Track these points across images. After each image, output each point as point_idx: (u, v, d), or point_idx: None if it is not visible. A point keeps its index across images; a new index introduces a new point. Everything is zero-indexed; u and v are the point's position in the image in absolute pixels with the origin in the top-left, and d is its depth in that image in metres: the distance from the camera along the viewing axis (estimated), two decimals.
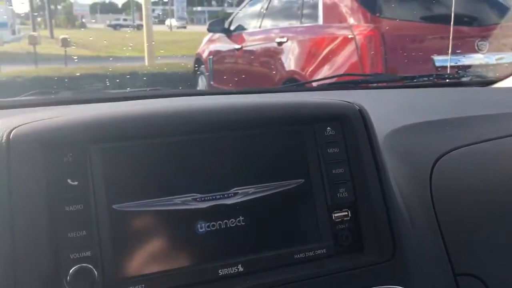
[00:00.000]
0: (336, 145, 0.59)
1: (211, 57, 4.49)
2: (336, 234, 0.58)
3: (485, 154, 0.75)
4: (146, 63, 6.96)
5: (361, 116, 0.61)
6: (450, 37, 1.61)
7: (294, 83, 2.89)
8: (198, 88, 4.82)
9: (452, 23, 1.58)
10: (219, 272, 0.53)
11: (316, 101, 0.62)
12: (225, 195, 0.54)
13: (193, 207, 0.53)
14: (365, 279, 0.56)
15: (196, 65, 5.01)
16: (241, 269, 0.53)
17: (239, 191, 0.55)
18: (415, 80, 1.23)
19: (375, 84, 1.29)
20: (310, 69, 2.99)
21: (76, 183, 0.49)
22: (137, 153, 0.52)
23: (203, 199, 0.53)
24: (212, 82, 4.41)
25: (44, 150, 0.49)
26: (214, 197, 0.54)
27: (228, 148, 0.56)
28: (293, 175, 0.57)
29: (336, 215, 0.58)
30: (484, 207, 0.70)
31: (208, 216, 0.53)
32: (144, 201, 0.51)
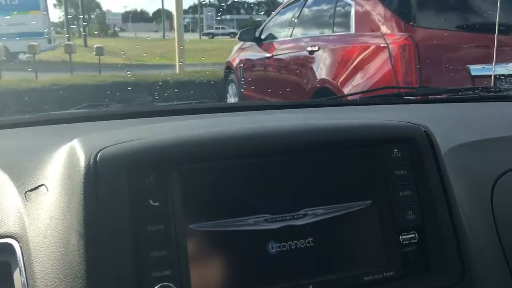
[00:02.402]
0: (403, 167, 0.60)
1: (241, 65, 4.53)
2: (403, 256, 0.57)
3: None
4: (177, 71, 7.07)
5: (428, 138, 0.62)
6: (495, 47, 1.57)
7: (328, 93, 2.87)
8: (228, 95, 4.86)
9: (496, 32, 1.54)
10: None
11: (382, 123, 0.63)
12: (295, 216, 0.55)
13: (264, 227, 0.54)
14: None
15: (226, 73, 5.06)
16: None
17: (309, 212, 0.56)
18: (459, 94, 1.21)
19: (418, 97, 1.27)
20: (342, 78, 2.97)
21: (157, 203, 0.51)
22: (213, 175, 0.54)
23: (274, 219, 0.55)
24: (242, 90, 4.44)
25: (128, 171, 0.51)
26: (284, 218, 0.55)
27: (298, 170, 0.57)
28: (360, 197, 0.58)
29: (403, 237, 0.58)
30: None
31: (278, 236, 0.54)
32: (219, 222, 0.53)
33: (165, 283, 0.49)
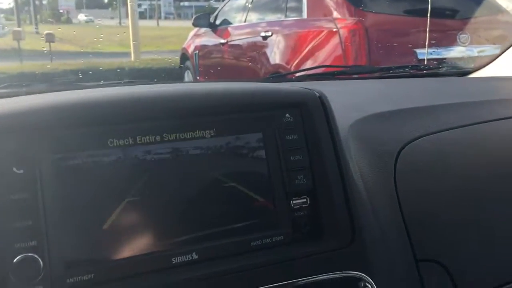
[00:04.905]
0: (294, 132, 0.58)
1: (197, 51, 4.47)
2: (294, 221, 0.57)
3: (450, 142, 0.75)
4: (132, 59, 6.90)
5: (321, 103, 0.61)
6: (427, 29, 1.62)
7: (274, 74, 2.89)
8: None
9: (429, 15, 1.59)
10: (172, 260, 0.52)
11: (275, 88, 0.62)
12: None
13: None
14: (323, 266, 0.56)
15: (182, 60, 4.98)
16: (195, 256, 0.52)
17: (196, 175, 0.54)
18: (390, 71, 1.24)
19: (354, 76, 1.29)
20: (295, 62, 2.99)
21: (21, 171, 0.48)
22: (87, 141, 0.51)
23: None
24: (198, 77, 4.39)
25: None
26: None
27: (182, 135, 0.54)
28: (250, 163, 0.56)
29: (294, 202, 0.57)
30: (447, 194, 0.70)
31: (161, 206, 0.52)
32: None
33: (28, 254, 0.47)
